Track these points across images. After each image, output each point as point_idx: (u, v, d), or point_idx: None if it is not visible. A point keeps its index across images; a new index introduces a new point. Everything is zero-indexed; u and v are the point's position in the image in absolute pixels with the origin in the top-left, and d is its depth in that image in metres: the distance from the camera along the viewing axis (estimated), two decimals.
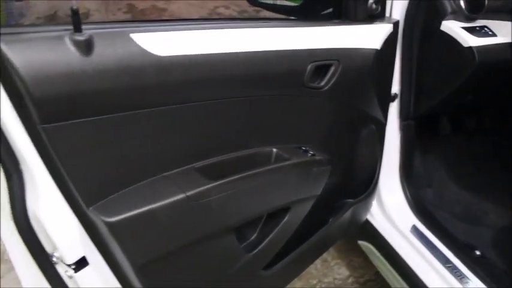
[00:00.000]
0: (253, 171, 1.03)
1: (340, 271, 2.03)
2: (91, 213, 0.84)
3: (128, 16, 6.16)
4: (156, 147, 0.92)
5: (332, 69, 1.15)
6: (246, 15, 6.14)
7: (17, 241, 0.86)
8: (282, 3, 1.49)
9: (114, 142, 0.85)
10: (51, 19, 5.93)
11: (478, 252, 1.50)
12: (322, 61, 1.11)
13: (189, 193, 0.91)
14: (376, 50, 1.24)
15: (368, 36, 1.23)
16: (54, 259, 0.87)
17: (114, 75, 0.81)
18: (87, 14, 6.22)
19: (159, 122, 0.90)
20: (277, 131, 1.13)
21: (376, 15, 1.29)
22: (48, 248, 0.87)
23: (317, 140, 1.22)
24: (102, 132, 0.83)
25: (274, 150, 1.12)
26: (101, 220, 0.83)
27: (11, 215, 0.82)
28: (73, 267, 0.87)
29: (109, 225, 0.84)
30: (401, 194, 1.71)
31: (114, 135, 0.85)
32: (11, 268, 2.08)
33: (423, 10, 1.43)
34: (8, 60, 0.72)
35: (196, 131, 0.97)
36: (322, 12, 1.40)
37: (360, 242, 1.78)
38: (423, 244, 1.57)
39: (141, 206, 0.86)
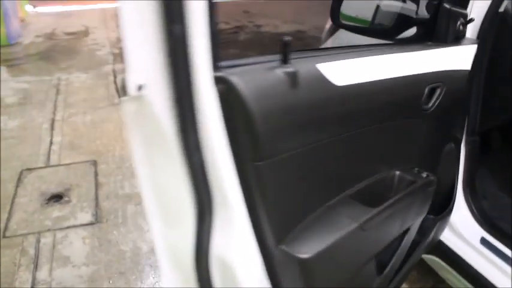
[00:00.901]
0: (398, 196, 1.04)
1: None
2: (282, 250, 0.82)
3: None
4: (324, 176, 0.92)
5: (438, 91, 1.18)
6: (247, 30, 6.19)
7: (182, 279, 0.84)
8: (370, 26, 1.51)
9: (304, 174, 0.85)
10: (50, 37, 5.85)
11: None
12: (434, 84, 1.14)
13: (360, 222, 0.91)
14: (469, 71, 1.27)
15: (462, 58, 1.27)
16: None
17: (314, 107, 0.81)
18: (86, 32, 6.17)
19: (331, 151, 0.91)
20: (395, 153, 1.15)
21: (461, 36, 1.33)
22: None
23: (420, 160, 1.24)
24: (297, 165, 0.83)
25: (397, 173, 1.13)
26: (293, 257, 0.82)
27: (194, 254, 0.79)
28: None
29: (301, 261, 0.83)
30: (465, 208, 1.74)
31: (304, 168, 0.85)
32: None
33: (497, 29, 1.48)
34: (238, 94, 0.70)
35: (347, 159, 0.98)
36: (400, 35, 1.43)
37: (425, 256, 1.80)
38: (496, 255, 1.60)
39: (326, 240, 0.86)
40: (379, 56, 1.01)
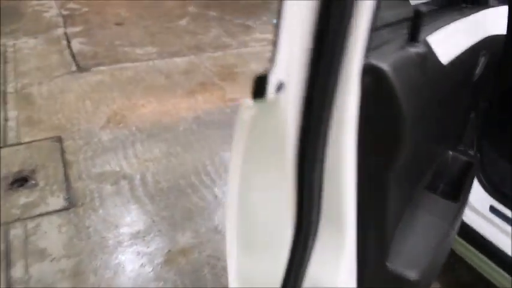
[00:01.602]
0: (469, 183, 0.94)
1: None
2: (388, 269, 0.70)
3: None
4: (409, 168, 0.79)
5: (483, 59, 1.06)
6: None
7: None
8: None
9: (408, 174, 0.72)
10: None
11: None
12: (484, 50, 1.02)
13: (449, 221, 0.81)
14: (504, 35, 1.16)
15: (499, 21, 1.15)
16: None
17: (433, 94, 0.66)
18: None
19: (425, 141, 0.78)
20: (450, 129, 1.05)
21: None
22: None
23: (463, 134, 1.15)
24: (409, 165, 0.69)
25: (450, 153, 1.03)
26: (404, 277, 0.70)
27: (284, 284, 0.63)
28: None
29: (412, 283, 0.70)
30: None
31: (411, 166, 0.71)
32: None
33: None
34: (391, 87, 0.54)
35: (428, 144, 0.86)
36: None
37: None
38: (507, 223, 1.58)
39: (426, 249, 0.74)
40: (456, 23, 0.86)
